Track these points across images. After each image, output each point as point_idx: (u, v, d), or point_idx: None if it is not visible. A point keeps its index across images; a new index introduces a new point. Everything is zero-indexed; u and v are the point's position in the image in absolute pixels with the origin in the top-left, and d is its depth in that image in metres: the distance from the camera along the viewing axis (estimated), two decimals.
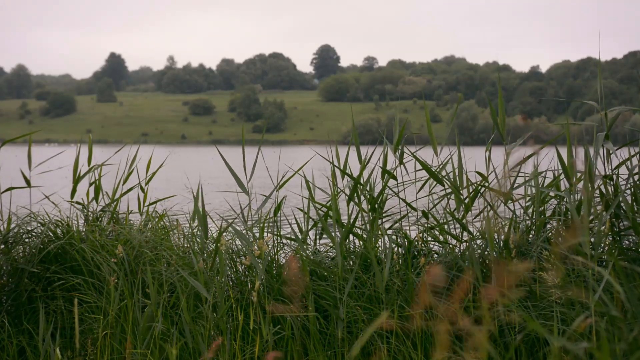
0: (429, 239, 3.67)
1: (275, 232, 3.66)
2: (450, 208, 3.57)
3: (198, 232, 3.84)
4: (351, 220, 3.53)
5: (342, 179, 3.76)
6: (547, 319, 2.93)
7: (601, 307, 2.39)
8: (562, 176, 3.51)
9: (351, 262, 3.48)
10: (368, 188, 3.70)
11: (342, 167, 3.73)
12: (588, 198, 2.81)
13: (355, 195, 3.62)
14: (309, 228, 3.77)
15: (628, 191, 3.19)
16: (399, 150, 3.69)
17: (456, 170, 3.50)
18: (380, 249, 3.56)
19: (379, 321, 1.21)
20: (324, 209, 3.65)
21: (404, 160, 3.73)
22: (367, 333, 1.24)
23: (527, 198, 3.55)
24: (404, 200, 3.66)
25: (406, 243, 3.57)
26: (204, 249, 3.55)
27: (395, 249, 3.63)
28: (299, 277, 2.74)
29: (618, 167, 3.24)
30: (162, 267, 3.47)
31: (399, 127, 3.70)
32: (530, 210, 3.51)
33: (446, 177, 3.57)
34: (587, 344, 1.76)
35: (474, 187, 3.47)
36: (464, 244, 3.49)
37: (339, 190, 3.64)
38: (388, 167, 3.73)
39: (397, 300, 3.17)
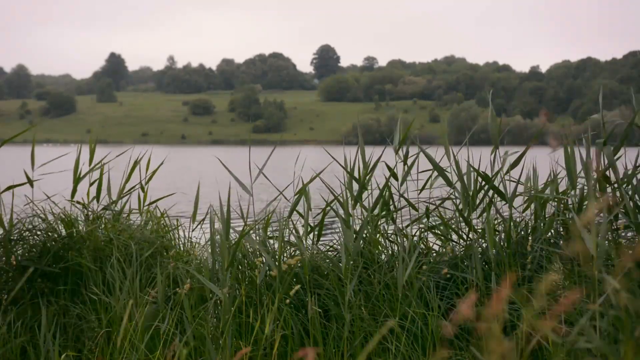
0: (431, 238, 3.68)
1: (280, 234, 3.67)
2: (455, 208, 3.58)
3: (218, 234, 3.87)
4: (357, 220, 3.55)
5: (351, 183, 3.75)
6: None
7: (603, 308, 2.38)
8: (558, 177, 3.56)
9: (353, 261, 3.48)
10: (373, 188, 3.72)
11: (349, 170, 3.75)
12: (592, 195, 2.81)
13: (360, 197, 3.66)
14: (315, 226, 3.76)
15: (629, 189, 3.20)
16: (403, 151, 3.71)
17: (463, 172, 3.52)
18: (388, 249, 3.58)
19: (386, 328, 1.20)
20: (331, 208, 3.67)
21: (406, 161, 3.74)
22: (374, 340, 1.23)
23: (525, 198, 3.56)
24: (407, 200, 3.66)
25: (406, 243, 3.58)
26: (211, 247, 3.55)
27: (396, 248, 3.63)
28: None
29: (610, 166, 3.25)
30: (170, 264, 3.48)
31: (403, 127, 3.72)
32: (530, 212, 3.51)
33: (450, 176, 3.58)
34: (585, 343, 1.76)
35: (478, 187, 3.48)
36: (465, 244, 3.50)
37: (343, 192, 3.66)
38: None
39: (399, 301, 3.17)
